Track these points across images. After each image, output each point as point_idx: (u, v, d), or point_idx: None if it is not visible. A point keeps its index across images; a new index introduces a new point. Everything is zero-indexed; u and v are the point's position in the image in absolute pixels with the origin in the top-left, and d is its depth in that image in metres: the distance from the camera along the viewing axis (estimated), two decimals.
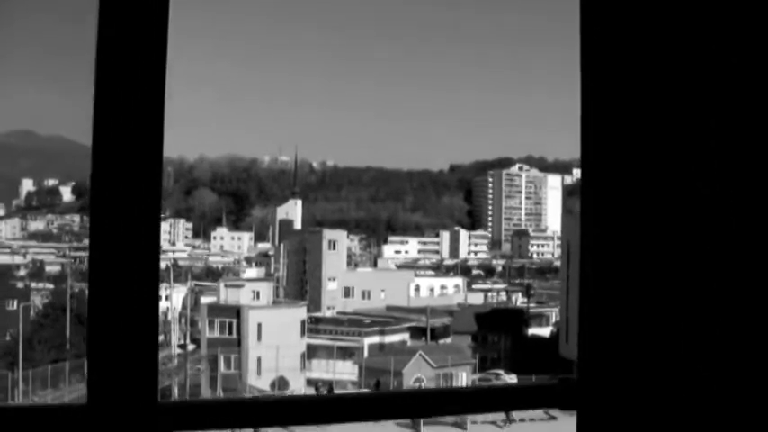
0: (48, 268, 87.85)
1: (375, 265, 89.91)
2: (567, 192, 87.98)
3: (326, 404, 2.42)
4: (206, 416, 2.25)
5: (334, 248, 76.66)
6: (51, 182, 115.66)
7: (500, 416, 57.31)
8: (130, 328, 2.12)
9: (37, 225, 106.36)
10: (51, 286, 76.90)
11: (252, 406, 2.36)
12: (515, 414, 57.44)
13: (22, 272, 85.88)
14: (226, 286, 65.70)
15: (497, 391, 2.78)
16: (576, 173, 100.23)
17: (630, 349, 2.61)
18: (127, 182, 2.13)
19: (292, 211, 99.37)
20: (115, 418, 2.09)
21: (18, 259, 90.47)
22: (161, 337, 69.00)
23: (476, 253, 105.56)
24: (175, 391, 55.39)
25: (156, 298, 2.11)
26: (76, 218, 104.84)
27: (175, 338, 66.71)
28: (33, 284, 77.21)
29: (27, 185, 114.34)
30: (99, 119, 2.12)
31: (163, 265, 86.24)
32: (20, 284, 75.53)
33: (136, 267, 2.14)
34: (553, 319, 77.43)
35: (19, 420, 2.12)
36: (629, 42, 2.63)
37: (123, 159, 2.13)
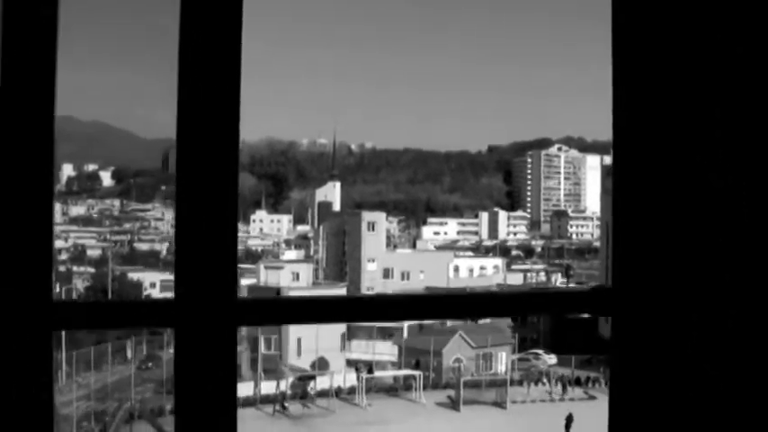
0: (89, 252, 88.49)
1: (414, 246, 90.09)
2: (606, 172, 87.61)
3: (387, 303, 2.55)
4: (278, 311, 2.40)
5: (373, 230, 76.83)
6: (91, 167, 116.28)
7: (540, 395, 57.45)
8: (211, 232, 2.24)
9: (78, 210, 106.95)
10: (92, 270, 77.54)
11: (319, 304, 2.49)
12: (555, 394, 57.62)
13: (64, 256, 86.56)
14: (266, 268, 66.01)
15: (534, 295, 2.86)
16: None
17: (664, 266, 2.67)
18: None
19: (331, 193, 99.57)
20: (198, 312, 2.22)
21: (60, 243, 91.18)
22: None
23: (515, 234, 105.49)
24: None
25: (235, 203, 2.24)
26: (116, 202, 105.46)
27: None
28: (75, 268, 77.86)
29: (67, 170, 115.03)
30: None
31: None
32: (62, 268, 76.23)
33: (215, 184, 2.27)
34: None
35: (112, 314, 2.27)
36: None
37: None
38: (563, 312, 2.87)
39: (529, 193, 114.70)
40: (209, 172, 2.24)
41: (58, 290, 61.76)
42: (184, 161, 2.23)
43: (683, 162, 2.69)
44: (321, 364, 57.73)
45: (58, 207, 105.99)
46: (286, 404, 51.80)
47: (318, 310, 2.44)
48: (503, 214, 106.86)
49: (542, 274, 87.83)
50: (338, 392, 54.39)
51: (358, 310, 2.50)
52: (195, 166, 2.23)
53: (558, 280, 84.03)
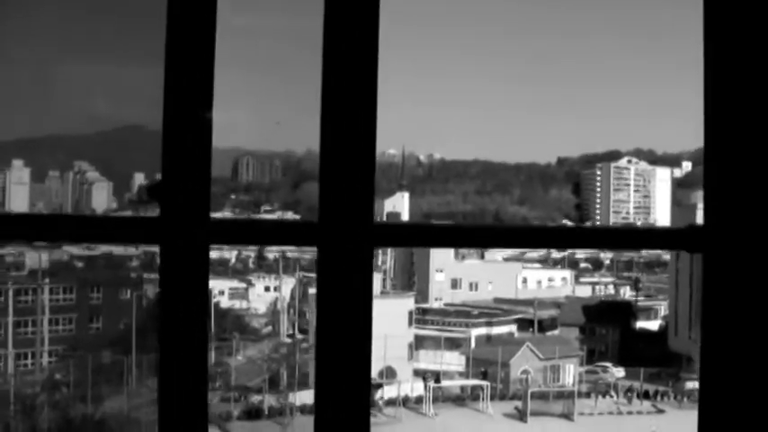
0: (158, 259, 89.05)
1: (482, 257, 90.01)
2: (677, 183, 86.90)
3: (503, 232, 2.75)
4: (412, 234, 2.63)
5: None
6: (158, 176, 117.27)
7: (608, 408, 57.08)
8: (350, 157, 2.49)
9: None
10: None
11: (450, 230, 2.72)
12: (623, 408, 57.18)
13: (135, 263, 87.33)
14: None
15: (629, 232, 3.02)
16: (686, 165, 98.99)
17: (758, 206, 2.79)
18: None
19: (399, 203, 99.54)
20: (340, 232, 2.45)
21: (131, 250, 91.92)
22: (269, 328, 70.00)
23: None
24: (284, 377, 56.18)
25: (374, 134, 2.46)
26: None
27: (284, 328, 67.57)
28: (145, 275, 78.61)
29: (139, 179, 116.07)
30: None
31: (271, 256, 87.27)
32: (132, 275, 77.09)
33: (355, 124, 2.51)
34: (662, 313, 76.77)
35: (261, 232, 2.52)
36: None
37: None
38: (657, 247, 3.02)
39: (598, 206, 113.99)
40: (350, 118, 2.49)
41: (128, 295, 62.56)
42: (330, 97, 2.46)
43: None
44: (388, 373, 57.79)
45: (129, 215, 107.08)
46: None
47: (449, 235, 2.66)
48: (571, 226, 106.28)
49: (611, 286, 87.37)
50: (405, 401, 54.43)
51: (484, 237, 2.72)
52: (336, 117, 2.47)
53: (627, 293, 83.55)
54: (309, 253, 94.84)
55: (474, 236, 2.69)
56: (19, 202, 78.13)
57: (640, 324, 74.88)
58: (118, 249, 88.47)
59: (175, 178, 2.38)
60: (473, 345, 64.99)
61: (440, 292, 75.21)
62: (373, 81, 2.52)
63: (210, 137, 2.37)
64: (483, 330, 67.64)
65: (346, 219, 2.44)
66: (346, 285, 2.44)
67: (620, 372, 63.81)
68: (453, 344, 64.94)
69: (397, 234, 2.66)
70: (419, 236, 2.62)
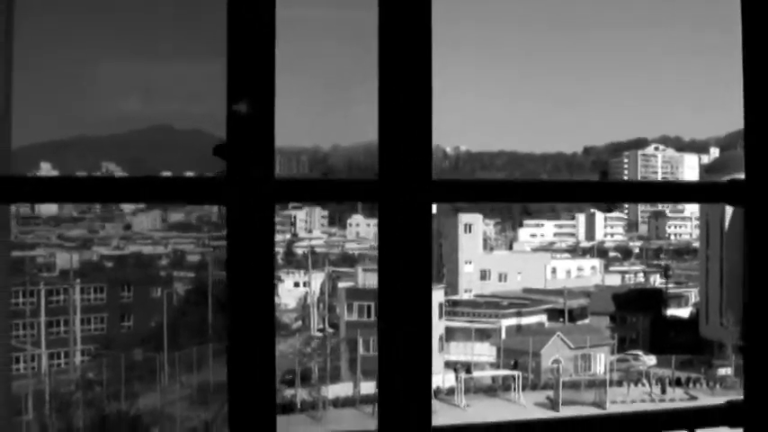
0: (188, 257, 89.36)
1: (511, 248, 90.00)
2: (705, 170, 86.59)
3: (557, 187, 2.81)
4: (468, 190, 2.70)
5: (470, 232, 76.94)
6: (189, 174, 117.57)
7: (641, 396, 56.99)
8: (408, 118, 2.55)
9: (176, 216, 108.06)
10: (192, 275, 78.43)
11: (506, 185, 2.78)
12: (656, 395, 57.05)
13: (164, 261, 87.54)
14: (364, 270, 66.35)
15: (671, 186, 3.06)
16: (714, 151, 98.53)
17: None
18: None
19: None
20: (399, 189, 2.52)
21: (160, 249, 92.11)
22: (299, 323, 70.24)
23: (612, 235, 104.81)
24: (316, 371, 56.38)
25: (429, 96, 2.52)
26: (215, 209, 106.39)
27: (315, 323, 67.73)
28: (175, 273, 78.83)
29: None
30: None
31: (300, 252, 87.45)
32: (162, 273, 77.36)
33: (413, 92, 2.57)
34: (692, 300, 76.59)
35: (325, 190, 2.59)
36: None
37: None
38: (699, 201, 3.07)
39: None
40: (407, 75, 2.55)
41: (159, 294, 62.84)
42: (387, 57, 2.52)
43: None
44: None
45: (157, 214, 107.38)
46: None
47: (504, 190, 2.73)
48: (599, 216, 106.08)
49: (641, 274, 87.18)
50: (437, 393, 54.42)
51: (537, 191, 2.78)
52: (393, 76, 2.54)
53: (657, 281, 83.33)
54: (338, 247, 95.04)
55: (527, 190, 2.75)
56: (47, 204, 78.69)
57: (671, 312, 74.72)
58: (147, 248, 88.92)
59: (240, 138, 2.44)
60: (503, 335, 65.02)
61: (469, 284, 75.28)
62: (428, 40, 2.58)
63: (273, 92, 2.43)
64: (513, 321, 67.65)
65: (405, 175, 2.51)
66: (406, 239, 2.51)
67: (651, 359, 63.71)
68: (484, 335, 64.98)
69: (455, 190, 2.73)
70: (476, 191, 2.69)
